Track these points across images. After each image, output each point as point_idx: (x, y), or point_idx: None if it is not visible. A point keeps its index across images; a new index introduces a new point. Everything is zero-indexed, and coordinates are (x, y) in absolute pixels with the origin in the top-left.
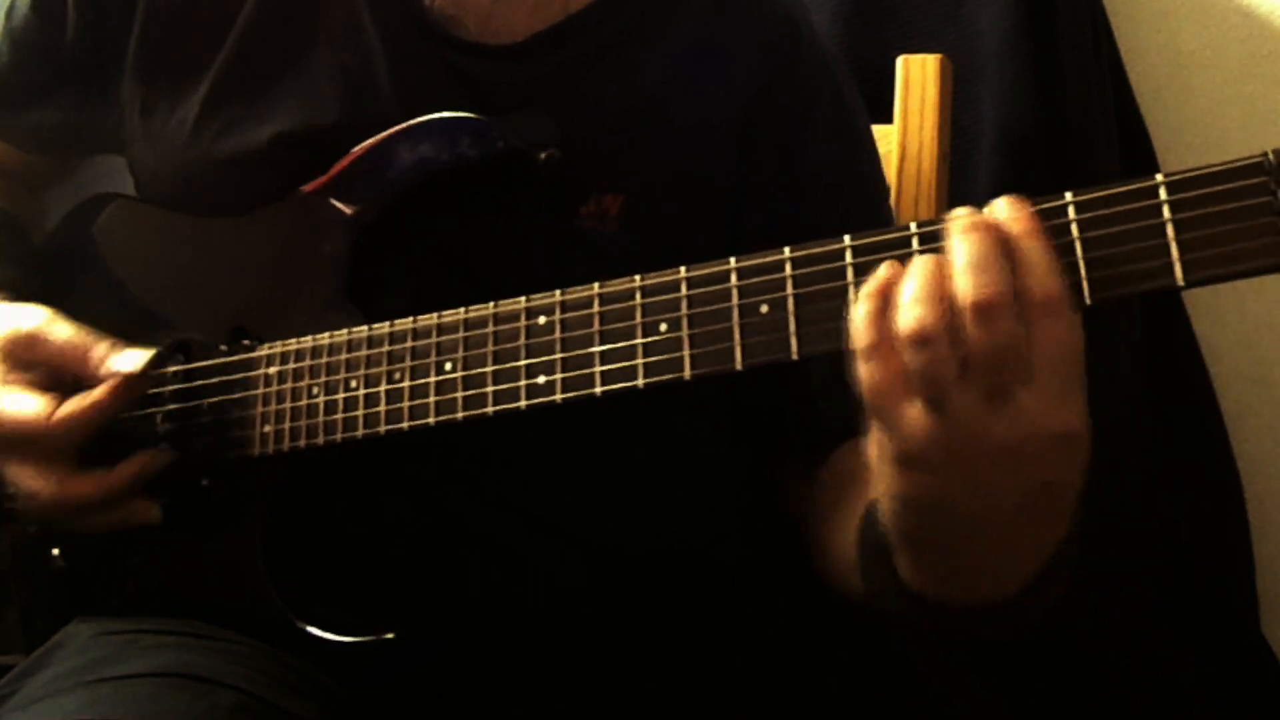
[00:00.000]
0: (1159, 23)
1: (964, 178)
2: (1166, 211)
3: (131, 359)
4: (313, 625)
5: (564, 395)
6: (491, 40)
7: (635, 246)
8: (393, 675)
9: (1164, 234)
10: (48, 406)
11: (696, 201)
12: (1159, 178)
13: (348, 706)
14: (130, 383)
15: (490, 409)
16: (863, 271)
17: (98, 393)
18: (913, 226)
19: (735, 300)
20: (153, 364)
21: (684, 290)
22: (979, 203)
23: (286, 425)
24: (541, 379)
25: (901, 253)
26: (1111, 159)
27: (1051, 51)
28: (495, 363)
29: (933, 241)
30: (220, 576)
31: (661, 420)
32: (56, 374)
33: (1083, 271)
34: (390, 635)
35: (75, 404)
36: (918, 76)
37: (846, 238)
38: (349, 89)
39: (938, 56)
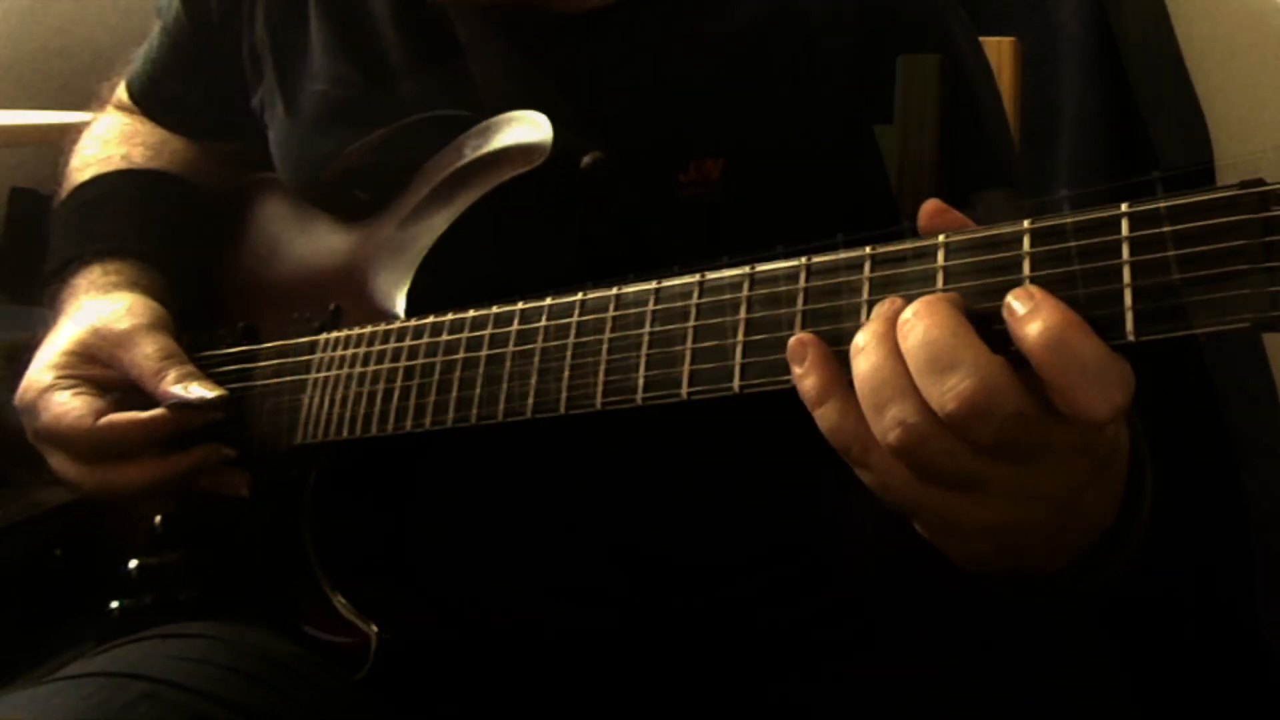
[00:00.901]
0: (1214, 17)
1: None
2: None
3: (194, 391)
4: (309, 625)
5: (563, 397)
6: (574, 8)
7: (741, 207)
8: (400, 674)
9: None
10: (93, 412)
11: (801, 157)
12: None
13: (349, 704)
14: (179, 415)
15: (500, 408)
16: (877, 288)
17: (147, 415)
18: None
19: (743, 314)
20: (215, 403)
21: (695, 298)
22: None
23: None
24: (551, 381)
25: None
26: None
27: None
28: (512, 363)
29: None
30: (216, 578)
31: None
32: (123, 380)
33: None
34: (388, 636)
35: (120, 418)
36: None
37: (867, 249)
38: (446, 77)
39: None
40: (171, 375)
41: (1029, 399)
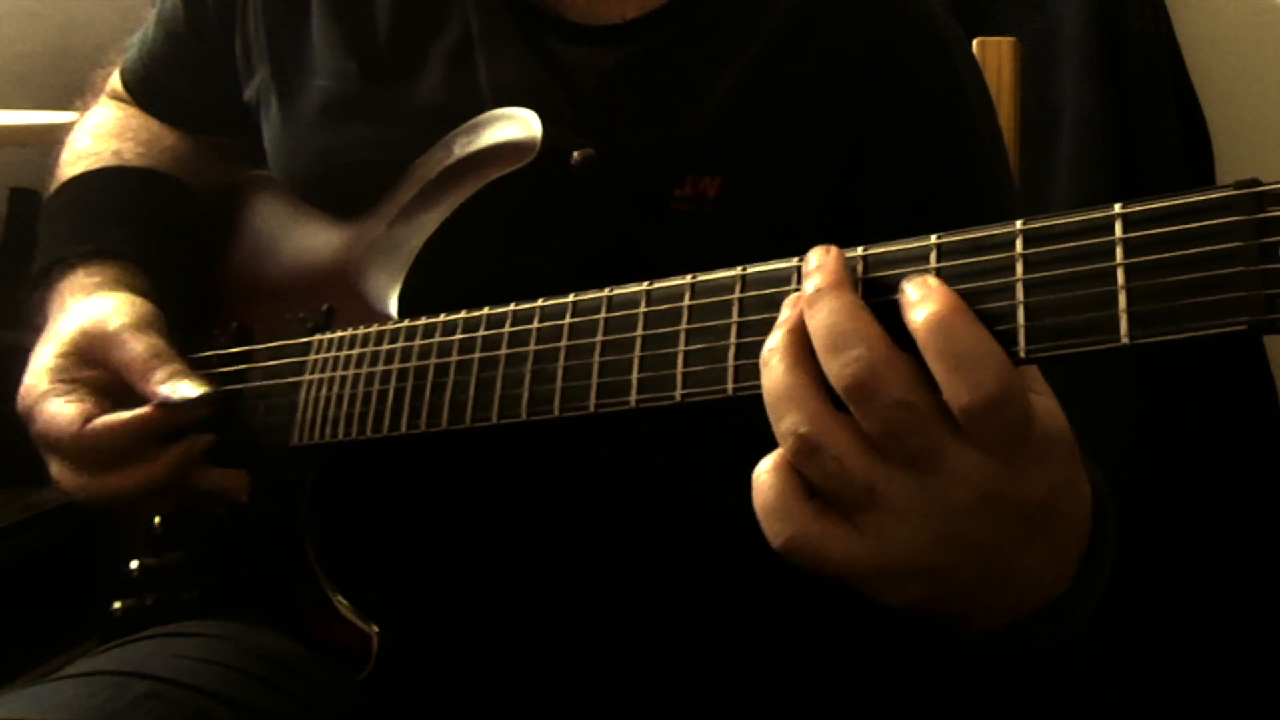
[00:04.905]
0: (1214, 17)
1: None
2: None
3: (181, 389)
4: (310, 625)
5: (557, 400)
6: (596, 21)
7: (733, 228)
8: (403, 675)
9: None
10: (82, 417)
11: (800, 184)
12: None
13: (353, 704)
14: (167, 414)
15: (494, 411)
16: (870, 291)
17: (132, 414)
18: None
19: (735, 316)
20: (202, 401)
21: (687, 299)
22: None
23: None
24: (543, 385)
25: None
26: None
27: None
28: (505, 366)
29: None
30: (217, 579)
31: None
32: (118, 380)
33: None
34: (390, 637)
35: (108, 420)
36: None
37: (859, 250)
38: (452, 73)
39: None
40: (159, 374)
41: (920, 392)
